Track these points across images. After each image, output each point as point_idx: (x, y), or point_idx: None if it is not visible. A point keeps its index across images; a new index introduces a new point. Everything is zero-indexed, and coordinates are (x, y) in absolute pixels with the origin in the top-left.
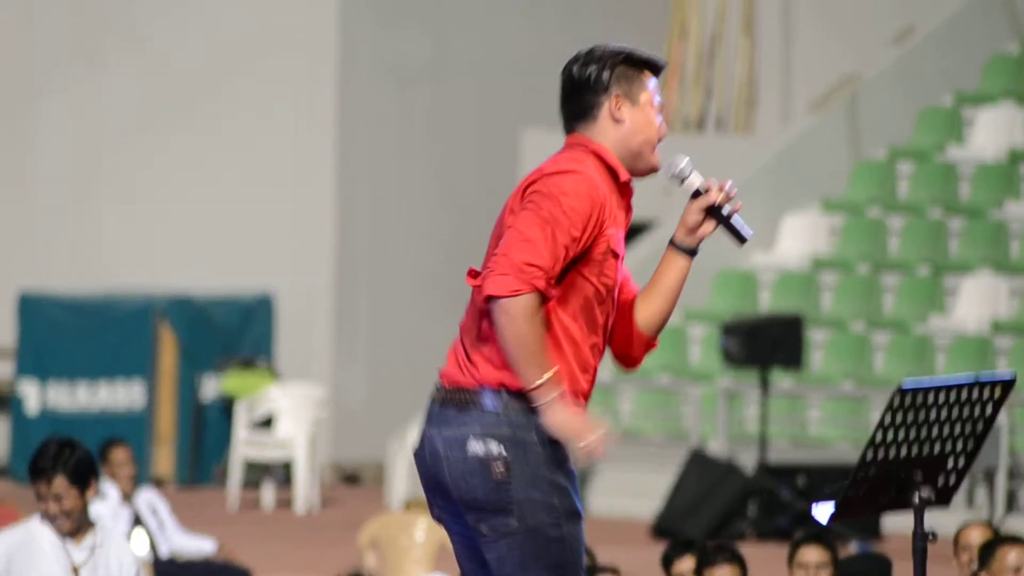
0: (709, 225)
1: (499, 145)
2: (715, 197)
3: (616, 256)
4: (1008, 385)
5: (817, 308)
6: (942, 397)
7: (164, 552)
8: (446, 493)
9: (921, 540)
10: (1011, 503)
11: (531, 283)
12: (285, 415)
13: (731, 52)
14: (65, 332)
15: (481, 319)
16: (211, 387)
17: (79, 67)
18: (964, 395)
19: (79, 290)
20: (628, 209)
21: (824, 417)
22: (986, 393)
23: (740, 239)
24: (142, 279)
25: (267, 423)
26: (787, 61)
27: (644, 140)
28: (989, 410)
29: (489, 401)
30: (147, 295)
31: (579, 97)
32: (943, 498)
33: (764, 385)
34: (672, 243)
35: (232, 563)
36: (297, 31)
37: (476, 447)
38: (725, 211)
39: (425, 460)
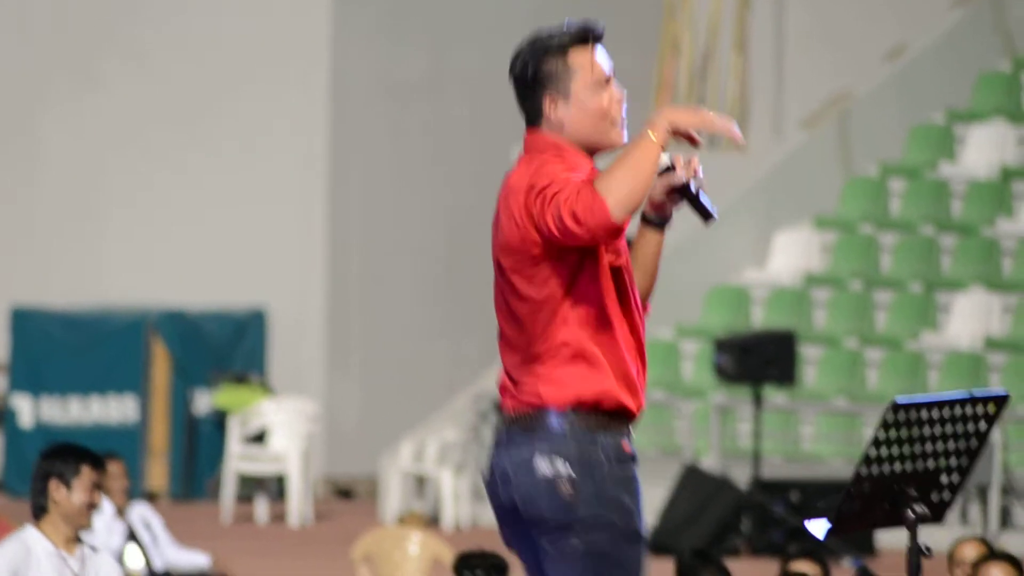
0: (674, 202)
1: (494, 161)
2: (681, 175)
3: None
4: (1002, 401)
5: (810, 324)
6: (935, 413)
7: (158, 566)
8: (516, 514)
9: (915, 556)
10: (1005, 519)
11: (571, 193)
12: (278, 429)
13: (723, 69)
14: (58, 346)
15: (532, 340)
16: (204, 401)
17: (77, 85)
18: (958, 411)
19: (72, 305)
20: None
21: (817, 433)
22: (980, 409)
23: (706, 216)
24: (135, 294)
25: (260, 437)
26: (779, 78)
27: (591, 130)
28: (983, 426)
29: (555, 421)
30: (140, 310)
31: (521, 98)
32: (937, 514)
33: (757, 401)
34: (643, 218)
35: None
36: (292, 47)
37: (543, 466)
38: (692, 188)
39: (495, 485)
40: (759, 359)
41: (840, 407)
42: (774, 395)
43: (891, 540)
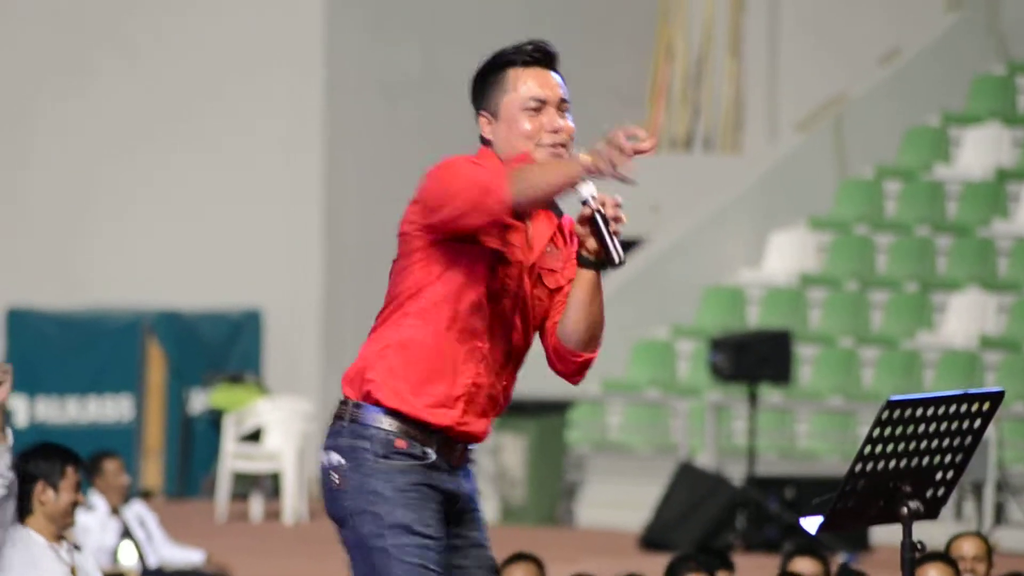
0: (592, 239)
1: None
2: (592, 208)
3: (508, 263)
4: (997, 399)
5: (805, 324)
6: (930, 411)
7: (152, 563)
8: None
9: (910, 552)
10: (999, 516)
11: (492, 174)
12: (273, 428)
13: (718, 73)
14: (54, 347)
15: (368, 338)
16: (199, 401)
17: (70, 86)
18: (952, 409)
19: (68, 305)
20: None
21: (812, 431)
22: (975, 407)
23: (611, 260)
24: (131, 294)
25: (255, 436)
26: (774, 81)
27: (512, 151)
28: (978, 423)
29: (340, 411)
30: (136, 310)
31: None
32: (931, 511)
33: (752, 399)
34: (576, 257)
35: (220, 575)
36: (285, 45)
37: (323, 459)
38: (600, 224)
39: None
40: (754, 358)
41: (835, 406)
42: (769, 394)
43: (886, 536)
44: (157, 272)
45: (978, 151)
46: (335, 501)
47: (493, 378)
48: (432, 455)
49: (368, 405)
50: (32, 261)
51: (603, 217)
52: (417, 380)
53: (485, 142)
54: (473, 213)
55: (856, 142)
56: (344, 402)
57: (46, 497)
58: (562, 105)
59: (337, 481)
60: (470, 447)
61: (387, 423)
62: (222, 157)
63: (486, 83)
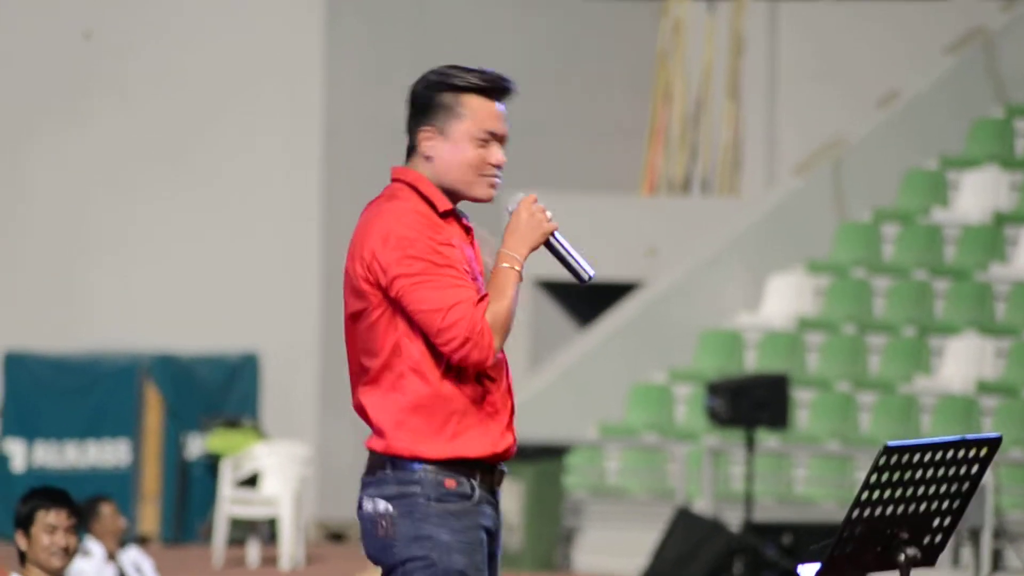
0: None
1: (485, 203)
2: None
3: (474, 279)
4: (994, 444)
5: (802, 368)
6: (928, 456)
7: None
8: None
9: None
10: (997, 562)
11: (471, 318)
12: (270, 473)
13: (716, 115)
14: (51, 391)
15: (366, 391)
16: (196, 445)
17: (63, 126)
18: (950, 454)
19: (65, 349)
20: (468, 230)
21: (810, 476)
22: (972, 453)
23: (580, 278)
24: (127, 338)
25: (252, 481)
26: (772, 124)
27: (457, 176)
28: (975, 469)
29: (378, 463)
30: (132, 354)
31: (408, 123)
32: (929, 557)
33: (750, 444)
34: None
35: None
36: (281, 86)
37: (368, 506)
38: (560, 246)
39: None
40: (752, 402)
41: (833, 450)
42: (767, 438)
43: None
44: (154, 315)
45: (976, 195)
46: (384, 549)
47: (502, 388)
48: (478, 489)
49: (407, 458)
50: (28, 304)
51: (557, 239)
52: (445, 429)
53: (425, 158)
54: (455, 352)
55: (854, 185)
56: (378, 455)
57: (23, 543)
58: (504, 139)
59: (385, 528)
60: (503, 468)
61: (432, 466)
62: (218, 200)
63: (438, 101)
